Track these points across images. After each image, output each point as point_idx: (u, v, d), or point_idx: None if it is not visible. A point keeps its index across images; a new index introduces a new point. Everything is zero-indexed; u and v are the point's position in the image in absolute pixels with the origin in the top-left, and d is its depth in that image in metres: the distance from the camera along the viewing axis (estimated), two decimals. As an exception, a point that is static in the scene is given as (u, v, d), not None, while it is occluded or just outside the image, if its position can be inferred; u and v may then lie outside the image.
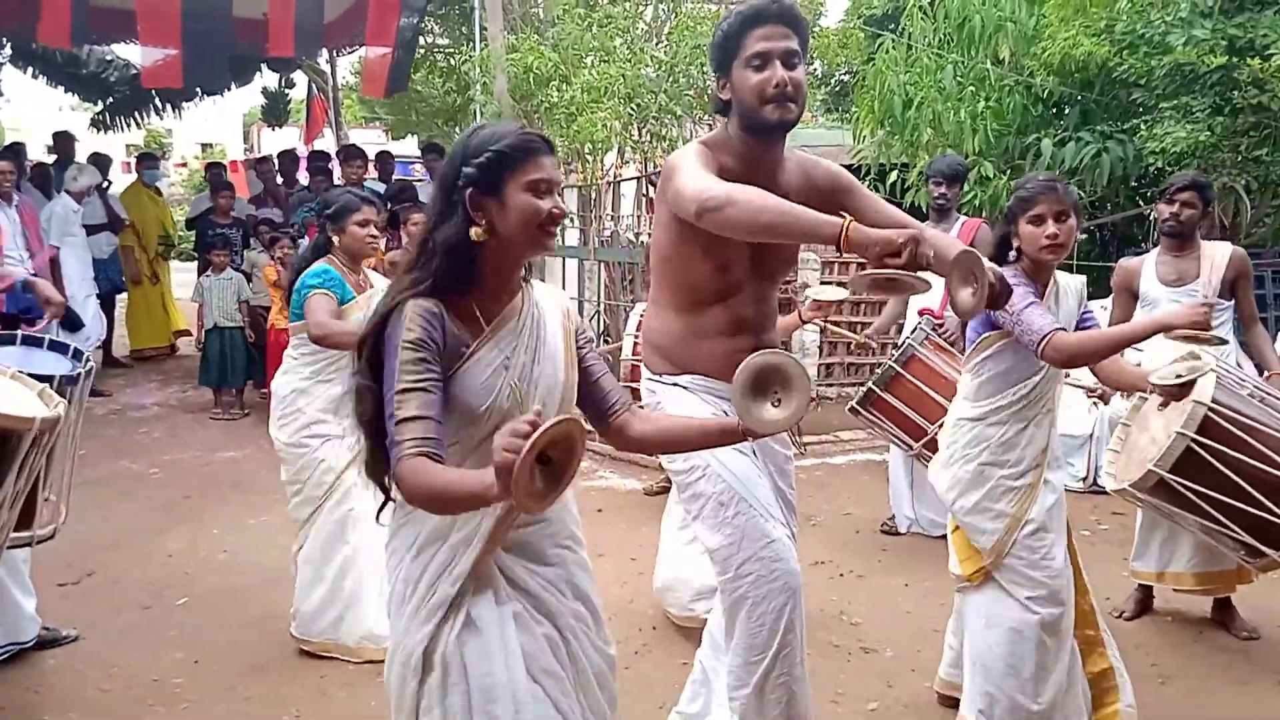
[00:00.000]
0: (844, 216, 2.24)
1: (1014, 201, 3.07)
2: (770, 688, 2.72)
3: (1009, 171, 8.17)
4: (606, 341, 7.97)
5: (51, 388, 2.88)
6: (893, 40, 8.59)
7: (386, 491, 2.00)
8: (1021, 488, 3.09)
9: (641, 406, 2.75)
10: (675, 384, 2.83)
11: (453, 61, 11.87)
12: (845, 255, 9.06)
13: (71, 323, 5.07)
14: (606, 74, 7.33)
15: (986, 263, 2.36)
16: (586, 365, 2.16)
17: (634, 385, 4.23)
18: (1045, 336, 2.86)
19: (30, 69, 12.49)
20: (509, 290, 2.05)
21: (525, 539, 2.07)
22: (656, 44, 9.12)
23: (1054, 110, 8.30)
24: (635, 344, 5.54)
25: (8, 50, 12.14)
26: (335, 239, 3.90)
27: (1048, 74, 7.85)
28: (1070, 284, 3.20)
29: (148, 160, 10.96)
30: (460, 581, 1.97)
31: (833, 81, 14.96)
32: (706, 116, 9.69)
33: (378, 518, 2.06)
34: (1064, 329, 2.91)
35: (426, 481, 1.78)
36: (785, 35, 2.56)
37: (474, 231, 1.94)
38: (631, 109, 7.65)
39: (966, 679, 3.24)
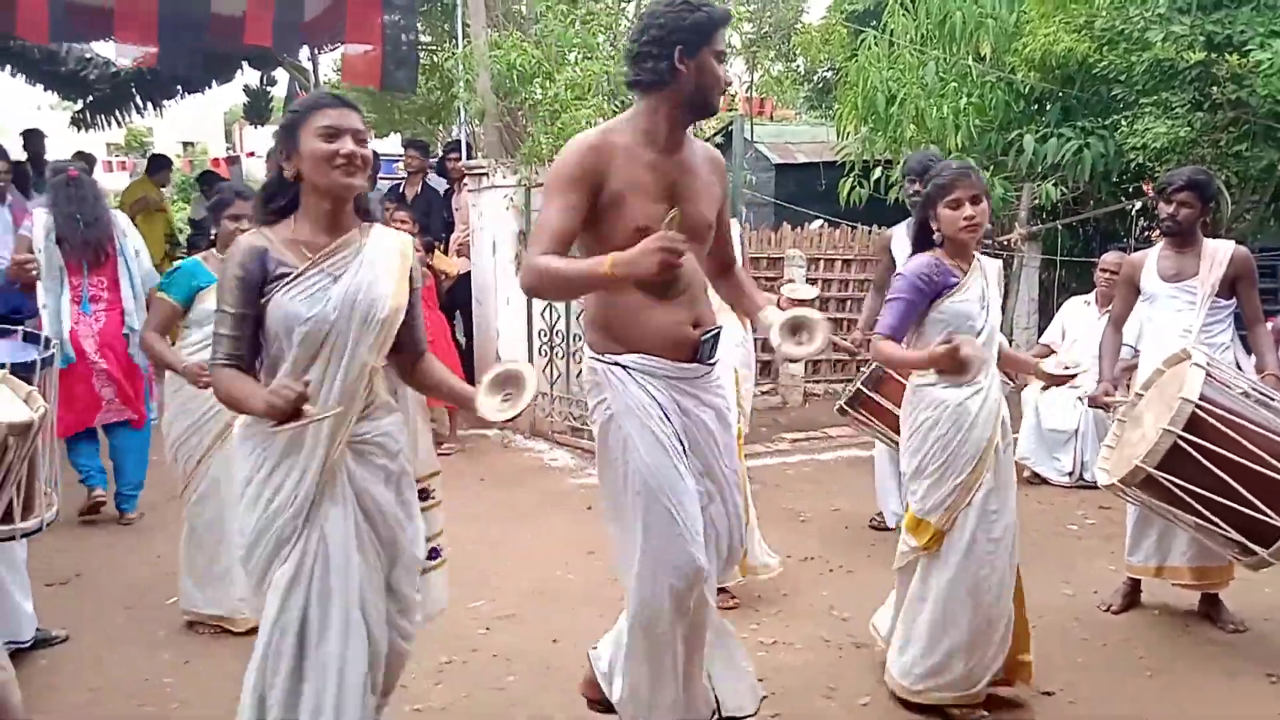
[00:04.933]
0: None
1: (931, 188, 3.33)
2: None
3: (991, 168, 8.22)
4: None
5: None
6: (875, 37, 8.63)
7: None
8: (976, 455, 3.24)
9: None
10: (616, 363, 2.76)
11: (436, 59, 11.81)
12: (828, 253, 9.12)
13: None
14: (590, 71, 7.34)
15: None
16: (411, 304, 2.56)
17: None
18: (881, 334, 3.32)
19: (9, 67, 12.33)
20: (335, 228, 2.47)
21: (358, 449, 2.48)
22: (640, 41, 9.10)
23: (1035, 106, 8.36)
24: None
25: (-15, 48, 11.98)
26: (214, 231, 4.16)
27: (1029, 70, 7.91)
28: (991, 266, 3.46)
29: (161, 163, 10.87)
30: (315, 483, 2.40)
31: (816, 78, 15.00)
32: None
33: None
34: (895, 338, 3.31)
35: (225, 387, 2.41)
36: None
37: (286, 171, 2.43)
38: (615, 106, 7.65)
39: (915, 648, 3.36)
